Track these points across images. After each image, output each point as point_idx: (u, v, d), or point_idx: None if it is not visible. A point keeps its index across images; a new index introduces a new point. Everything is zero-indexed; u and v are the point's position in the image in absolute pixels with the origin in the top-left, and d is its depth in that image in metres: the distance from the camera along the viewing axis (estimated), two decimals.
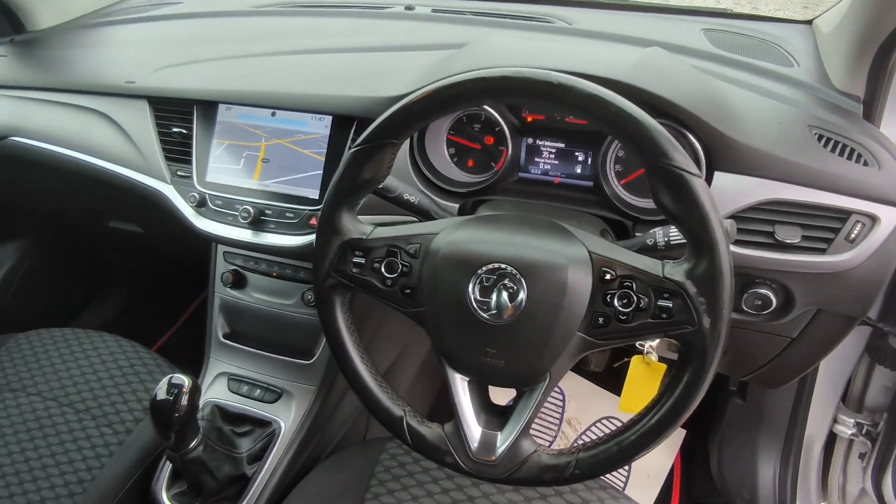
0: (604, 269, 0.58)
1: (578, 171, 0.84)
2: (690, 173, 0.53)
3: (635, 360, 0.75)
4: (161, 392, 0.77)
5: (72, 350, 1.10)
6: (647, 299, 0.56)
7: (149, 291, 1.64)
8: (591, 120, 0.57)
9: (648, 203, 0.80)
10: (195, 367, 1.08)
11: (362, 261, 0.65)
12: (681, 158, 0.53)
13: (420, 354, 1.24)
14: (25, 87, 1.12)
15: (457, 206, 0.83)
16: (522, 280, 0.58)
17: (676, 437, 1.42)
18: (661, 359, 0.75)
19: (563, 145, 0.83)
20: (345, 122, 0.87)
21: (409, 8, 1.18)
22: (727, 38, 0.99)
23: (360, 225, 0.66)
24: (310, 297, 0.94)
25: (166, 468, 0.91)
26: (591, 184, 0.83)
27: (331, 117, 0.88)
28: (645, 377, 0.74)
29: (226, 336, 1.03)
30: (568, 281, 0.57)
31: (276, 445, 0.92)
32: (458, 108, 0.63)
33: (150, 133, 0.99)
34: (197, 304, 1.67)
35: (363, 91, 0.86)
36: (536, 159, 0.85)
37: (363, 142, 0.62)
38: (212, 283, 1.02)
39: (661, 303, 0.56)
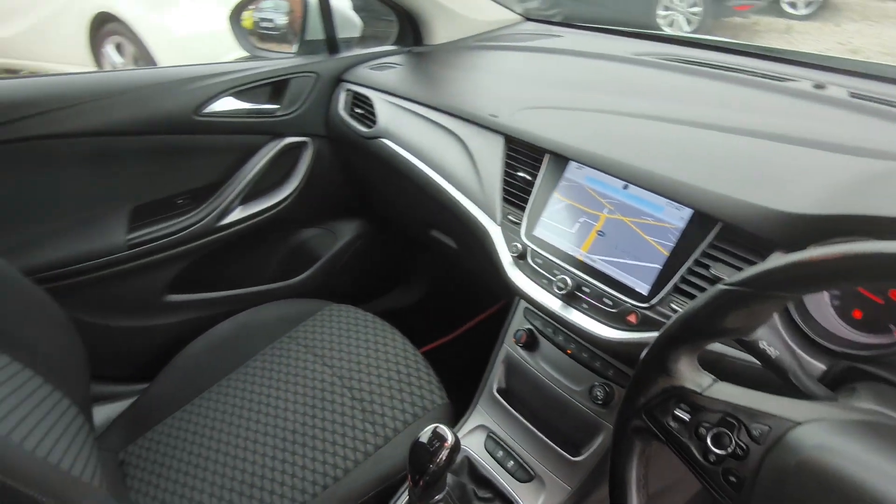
0: None
1: None
2: None
3: None
4: (424, 437, 0.75)
5: (367, 336, 1.17)
6: None
7: (438, 299, 1.72)
8: None
9: None
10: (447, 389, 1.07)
11: (687, 418, 0.52)
12: None
13: None
14: (406, 98, 1.22)
15: (822, 367, 0.64)
16: None
17: None
18: None
19: None
20: (707, 220, 0.73)
21: (818, 87, 0.97)
22: None
23: (699, 374, 0.53)
24: (598, 393, 0.83)
25: (403, 498, 0.91)
26: None
27: (692, 211, 0.75)
28: None
29: (499, 391, 0.99)
30: None
31: None
32: None
33: (497, 170, 0.98)
34: (469, 328, 1.70)
35: (742, 192, 0.71)
36: None
37: (745, 284, 0.48)
38: (503, 333, 0.99)
39: None
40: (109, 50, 3.79)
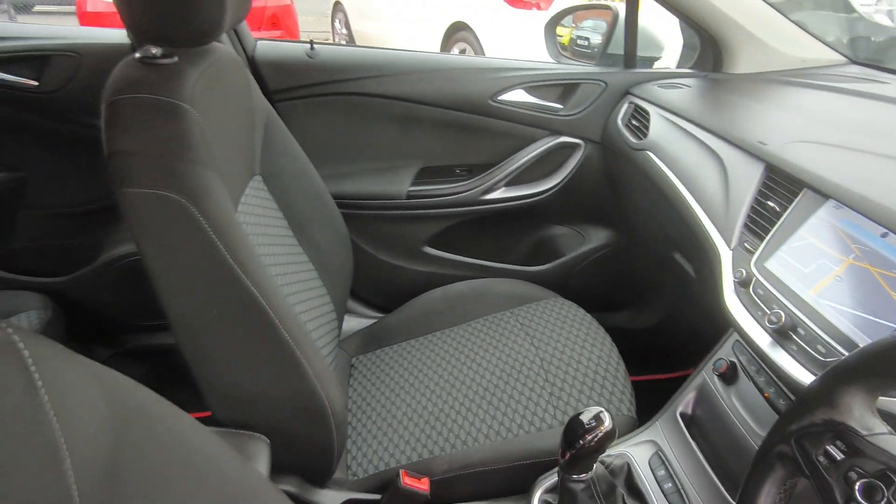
0: None
1: None
2: None
3: None
4: (585, 416, 0.78)
5: (579, 333, 1.21)
6: None
7: (664, 334, 1.65)
8: None
9: None
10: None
11: (839, 457, 0.48)
12: None
13: None
14: (682, 116, 1.22)
15: None
16: None
17: None
18: None
19: None
20: None
21: None
22: None
23: (870, 417, 0.48)
24: None
25: (553, 476, 0.94)
26: None
27: None
28: None
29: (682, 414, 0.95)
30: None
31: None
32: None
33: (747, 196, 0.94)
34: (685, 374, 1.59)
35: None
36: None
37: None
38: (706, 360, 0.95)
39: None
40: (455, 51, 4.40)
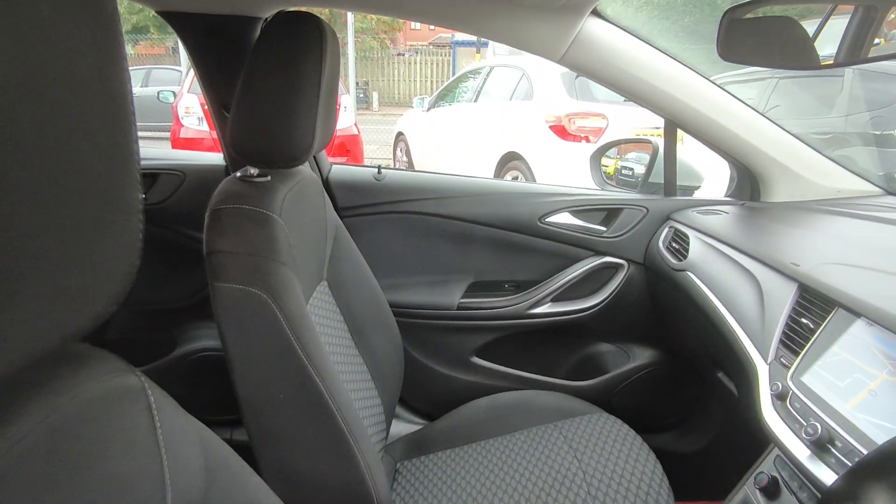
0: None
1: None
2: None
3: None
4: None
5: (623, 451, 1.21)
6: None
7: (710, 459, 1.60)
8: None
9: None
10: None
11: None
12: None
13: None
14: (720, 240, 1.30)
15: None
16: None
17: None
18: None
19: None
20: None
21: None
22: None
23: None
24: None
25: None
26: None
27: None
28: None
29: None
30: None
31: None
32: None
33: (783, 314, 0.99)
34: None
35: None
36: None
37: None
38: (747, 475, 0.95)
39: None
40: (508, 178, 4.67)
